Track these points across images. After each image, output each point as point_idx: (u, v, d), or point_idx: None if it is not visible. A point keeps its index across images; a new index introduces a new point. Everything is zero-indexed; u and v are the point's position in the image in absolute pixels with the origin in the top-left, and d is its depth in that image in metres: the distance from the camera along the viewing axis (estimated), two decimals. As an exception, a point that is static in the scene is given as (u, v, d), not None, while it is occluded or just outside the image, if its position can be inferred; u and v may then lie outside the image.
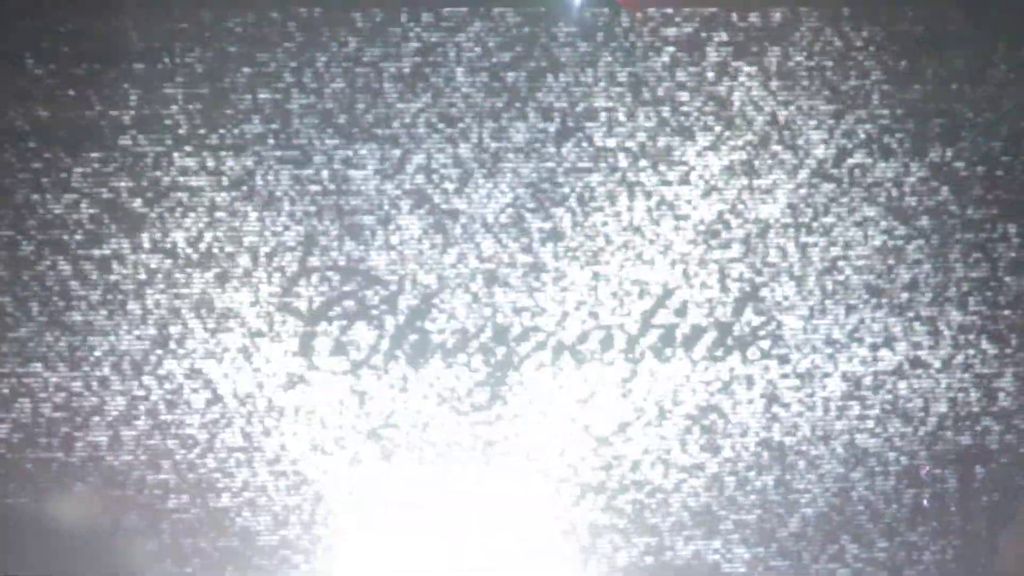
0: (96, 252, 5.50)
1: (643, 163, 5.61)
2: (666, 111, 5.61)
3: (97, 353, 5.52)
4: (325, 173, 5.56)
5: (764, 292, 5.64)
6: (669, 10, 5.60)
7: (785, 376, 5.67)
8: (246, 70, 5.53)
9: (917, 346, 5.72)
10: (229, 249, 5.52)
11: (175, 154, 5.52)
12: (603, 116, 5.61)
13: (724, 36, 5.60)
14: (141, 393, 5.54)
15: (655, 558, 5.69)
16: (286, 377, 5.55)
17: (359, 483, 5.59)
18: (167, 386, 5.53)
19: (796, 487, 5.70)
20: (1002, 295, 5.72)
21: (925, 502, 5.70)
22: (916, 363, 5.71)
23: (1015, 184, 5.72)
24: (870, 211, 5.67)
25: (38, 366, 5.52)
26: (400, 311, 5.57)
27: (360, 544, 5.62)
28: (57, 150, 5.50)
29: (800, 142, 5.63)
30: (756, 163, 5.63)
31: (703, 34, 5.61)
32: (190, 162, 5.52)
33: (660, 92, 5.61)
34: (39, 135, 5.51)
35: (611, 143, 5.62)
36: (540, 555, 5.65)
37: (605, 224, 5.60)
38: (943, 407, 5.72)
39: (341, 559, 5.63)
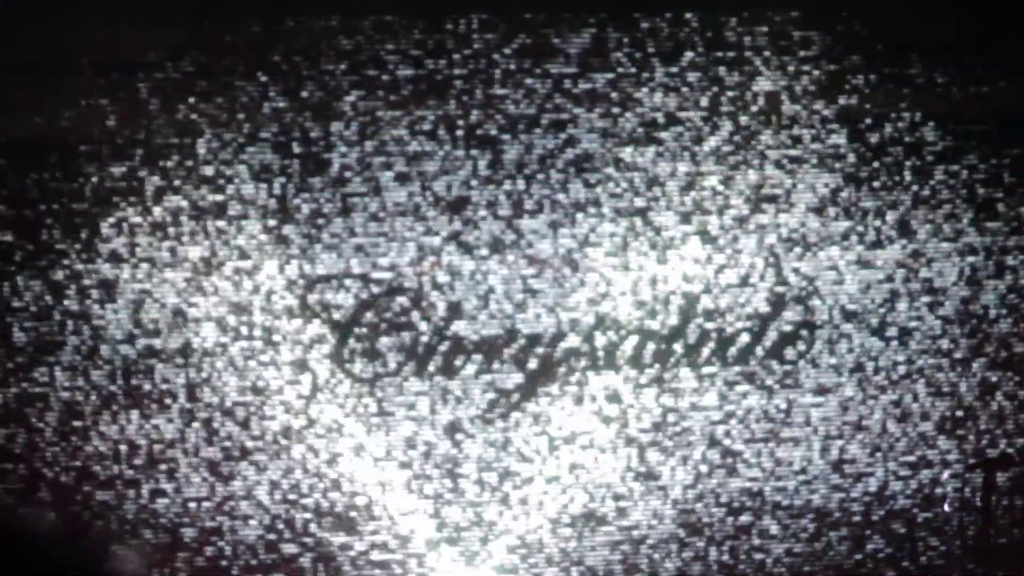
0: (110, 257, 5.52)
1: (667, 168, 5.61)
2: (690, 114, 5.63)
3: (117, 358, 5.52)
4: (347, 180, 5.56)
5: (795, 298, 5.67)
6: (688, 14, 5.61)
7: (816, 379, 5.70)
8: (263, 78, 5.53)
9: (945, 345, 5.75)
10: (251, 256, 5.52)
11: (193, 162, 5.51)
12: (628, 122, 5.62)
13: (747, 40, 5.62)
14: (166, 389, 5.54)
15: (688, 564, 5.69)
16: (315, 384, 5.57)
17: (386, 485, 5.61)
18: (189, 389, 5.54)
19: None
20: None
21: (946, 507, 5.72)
22: (948, 362, 5.75)
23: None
24: (897, 214, 5.70)
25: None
26: (429, 319, 5.57)
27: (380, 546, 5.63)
28: (77, 160, 5.49)
29: (826, 147, 5.66)
30: (780, 167, 5.65)
31: (723, 38, 5.63)
32: (208, 171, 5.51)
33: (681, 97, 5.62)
34: (54, 145, 5.50)
35: (632, 148, 5.62)
36: (570, 558, 5.67)
37: (632, 230, 5.60)
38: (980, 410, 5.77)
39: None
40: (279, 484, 5.54)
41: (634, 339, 5.62)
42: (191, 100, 5.45)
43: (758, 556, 5.73)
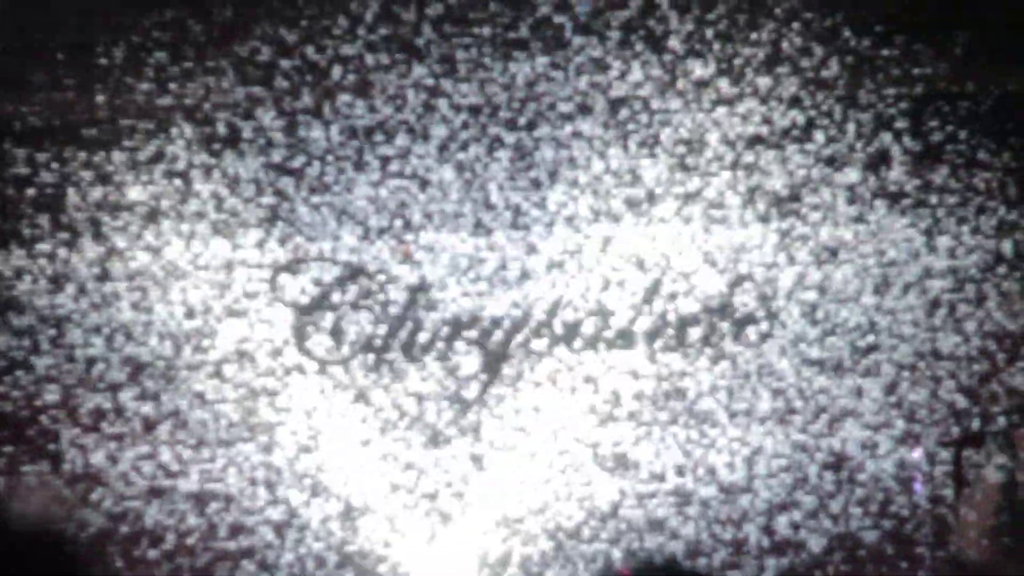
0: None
1: (651, 147, 5.66)
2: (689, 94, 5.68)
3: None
4: (316, 161, 5.63)
5: (764, 277, 5.70)
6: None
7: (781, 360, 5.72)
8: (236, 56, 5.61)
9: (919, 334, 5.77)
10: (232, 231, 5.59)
11: (173, 142, 5.58)
12: (611, 102, 5.67)
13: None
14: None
15: (648, 542, 5.70)
16: (281, 368, 5.61)
17: (355, 469, 5.63)
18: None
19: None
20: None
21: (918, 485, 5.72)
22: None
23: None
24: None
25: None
26: (395, 302, 5.62)
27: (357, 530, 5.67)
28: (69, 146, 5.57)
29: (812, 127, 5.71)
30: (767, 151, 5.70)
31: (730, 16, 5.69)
32: (199, 151, 5.57)
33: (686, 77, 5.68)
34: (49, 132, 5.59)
35: (615, 130, 5.66)
36: (534, 541, 5.69)
37: (601, 208, 5.64)
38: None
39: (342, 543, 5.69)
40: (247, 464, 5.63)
41: (594, 320, 5.67)
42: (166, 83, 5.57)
43: (728, 533, 5.74)
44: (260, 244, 5.59)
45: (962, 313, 5.75)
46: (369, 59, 5.59)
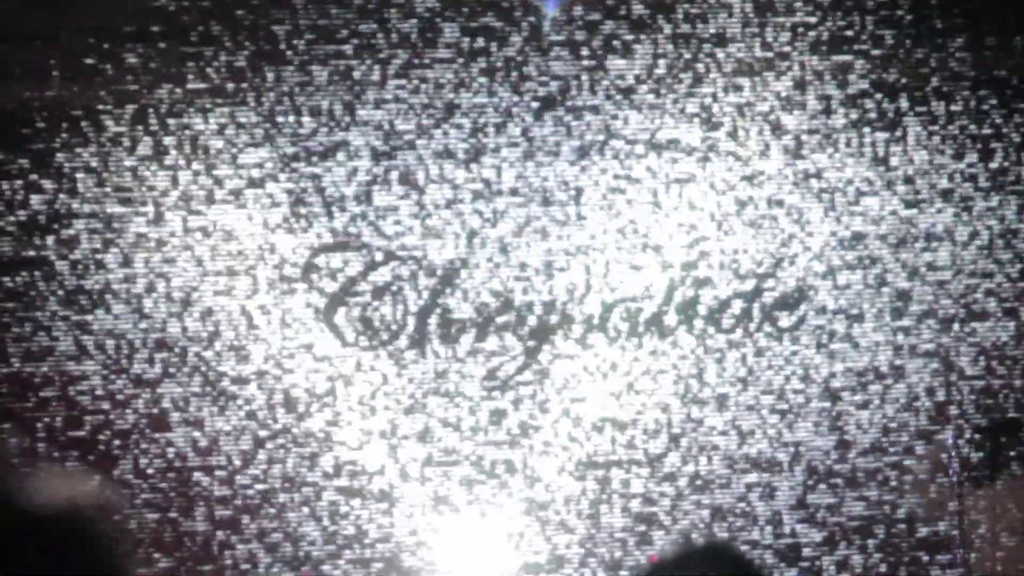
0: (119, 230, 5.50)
1: (669, 139, 5.61)
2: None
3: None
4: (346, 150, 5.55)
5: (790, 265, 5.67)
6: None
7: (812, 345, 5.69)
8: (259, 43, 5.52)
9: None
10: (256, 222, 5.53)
11: (198, 125, 5.49)
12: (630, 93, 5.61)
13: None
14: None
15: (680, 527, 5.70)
16: (313, 353, 5.53)
17: (390, 458, 5.57)
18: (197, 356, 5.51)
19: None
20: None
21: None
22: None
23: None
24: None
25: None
26: (426, 287, 5.57)
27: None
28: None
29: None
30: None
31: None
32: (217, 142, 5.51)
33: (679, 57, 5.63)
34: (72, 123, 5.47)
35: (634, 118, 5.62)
36: (571, 527, 5.66)
37: (629, 197, 5.61)
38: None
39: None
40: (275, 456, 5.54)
41: (626, 307, 5.62)
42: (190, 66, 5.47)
43: (757, 519, 5.71)
44: (291, 229, 5.50)
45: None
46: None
